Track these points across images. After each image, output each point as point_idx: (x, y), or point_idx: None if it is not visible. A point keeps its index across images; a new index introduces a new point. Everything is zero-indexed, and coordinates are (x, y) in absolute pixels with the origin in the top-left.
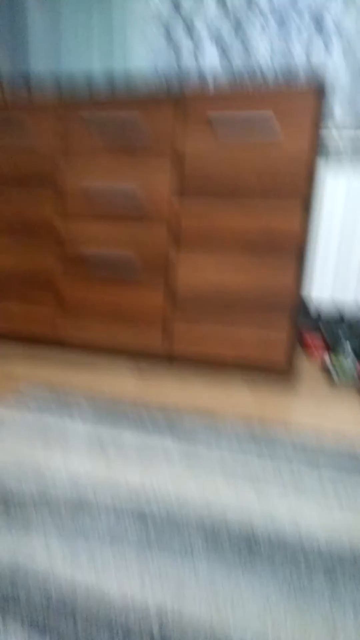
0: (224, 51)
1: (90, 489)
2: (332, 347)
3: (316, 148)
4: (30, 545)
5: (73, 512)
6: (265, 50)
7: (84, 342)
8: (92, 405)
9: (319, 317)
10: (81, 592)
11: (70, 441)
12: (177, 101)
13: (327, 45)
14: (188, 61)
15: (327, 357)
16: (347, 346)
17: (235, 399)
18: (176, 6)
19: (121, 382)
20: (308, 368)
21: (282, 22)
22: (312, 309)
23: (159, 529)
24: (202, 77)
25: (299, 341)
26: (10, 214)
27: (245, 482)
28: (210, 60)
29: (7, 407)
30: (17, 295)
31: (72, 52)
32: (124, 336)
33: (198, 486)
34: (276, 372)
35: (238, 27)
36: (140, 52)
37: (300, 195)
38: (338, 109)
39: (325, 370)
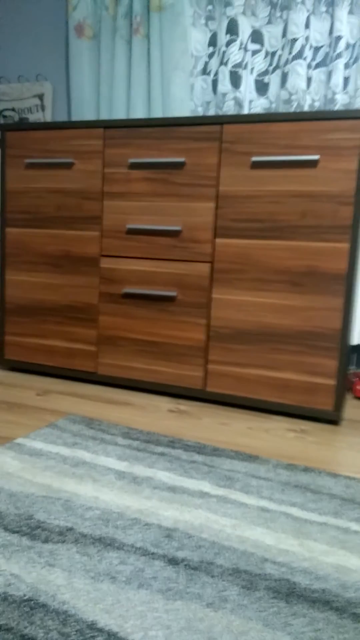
0: (263, 85)
1: (120, 528)
2: None
3: None
4: (53, 583)
5: (101, 551)
6: (306, 84)
7: (124, 379)
8: (129, 443)
9: None
10: (102, 639)
11: (104, 478)
12: (220, 142)
13: None
14: (228, 99)
15: None
16: None
17: (279, 442)
18: (213, 44)
19: (160, 419)
20: (358, 415)
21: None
22: None
23: (191, 576)
24: (243, 116)
25: (349, 388)
26: (57, 252)
27: (287, 535)
28: (250, 96)
29: (44, 440)
30: (59, 332)
31: (114, 97)
32: (164, 374)
33: (236, 535)
34: (323, 419)
35: (277, 62)
36: (180, 93)
37: (348, 232)
38: None
39: None
